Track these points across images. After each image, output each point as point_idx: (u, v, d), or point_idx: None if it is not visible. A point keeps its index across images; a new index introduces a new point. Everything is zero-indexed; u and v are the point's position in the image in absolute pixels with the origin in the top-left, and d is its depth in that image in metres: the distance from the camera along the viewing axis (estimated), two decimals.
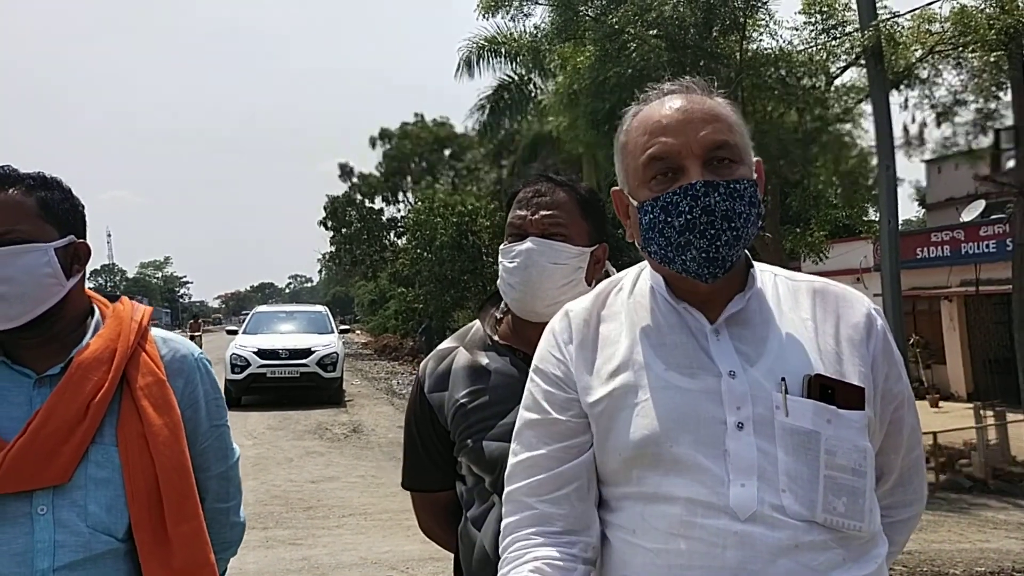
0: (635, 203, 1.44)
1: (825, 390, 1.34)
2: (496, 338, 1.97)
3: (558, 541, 1.40)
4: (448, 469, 1.97)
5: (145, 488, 1.65)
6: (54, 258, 1.67)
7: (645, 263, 1.54)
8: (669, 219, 1.36)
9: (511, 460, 1.49)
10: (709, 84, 1.48)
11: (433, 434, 1.96)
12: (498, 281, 1.95)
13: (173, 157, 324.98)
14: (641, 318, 1.46)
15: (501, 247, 1.94)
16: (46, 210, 1.69)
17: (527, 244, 1.87)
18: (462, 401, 1.90)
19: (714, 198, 1.34)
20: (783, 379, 1.35)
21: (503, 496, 1.50)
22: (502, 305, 2.01)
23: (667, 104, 1.43)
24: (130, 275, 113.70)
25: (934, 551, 6.88)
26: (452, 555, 2.03)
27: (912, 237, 23.59)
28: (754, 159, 1.45)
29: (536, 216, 1.89)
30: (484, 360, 1.94)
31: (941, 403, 19.81)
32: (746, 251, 1.46)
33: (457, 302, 27.04)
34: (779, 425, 1.33)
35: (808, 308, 1.45)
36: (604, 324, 1.49)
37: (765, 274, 1.51)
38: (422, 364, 2.03)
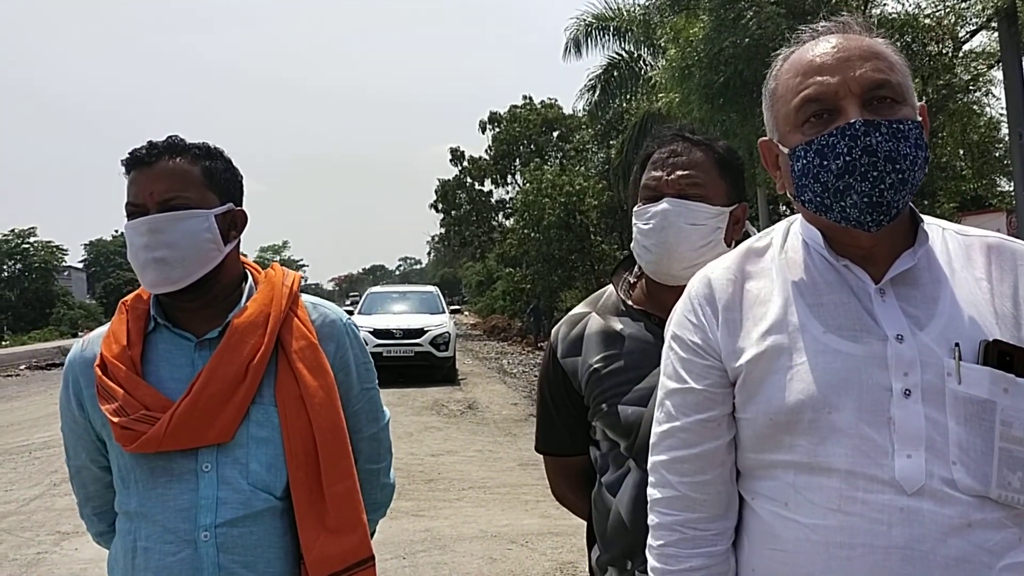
0: (786, 150, 1.35)
1: (1004, 357, 1.24)
2: (630, 303, 1.94)
3: (704, 535, 1.39)
4: (581, 434, 1.96)
5: (303, 448, 1.71)
6: (214, 224, 1.74)
7: (795, 216, 1.45)
8: (825, 163, 1.27)
9: (654, 428, 1.46)
10: (868, 22, 1.39)
11: (567, 398, 1.95)
12: (632, 244, 1.92)
13: (290, 145, 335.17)
14: (795, 275, 1.37)
15: (635, 209, 1.90)
16: (210, 178, 1.76)
17: (663, 205, 1.82)
18: (596, 366, 1.88)
19: (875, 138, 1.24)
20: (956, 345, 1.26)
21: (648, 463, 1.48)
22: (635, 269, 1.98)
23: (821, 44, 1.34)
24: (251, 259, 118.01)
25: None
26: (569, 529, 2.03)
27: None
28: (919, 102, 1.35)
29: (672, 176, 1.84)
30: (618, 325, 1.91)
31: None
32: (911, 204, 1.36)
33: (565, 282, 27.05)
34: (951, 393, 1.24)
35: (983, 267, 1.34)
36: (751, 281, 1.41)
37: (933, 228, 1.39)
38: (554, 329, 2.02)
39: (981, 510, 1.21)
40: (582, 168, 30.91)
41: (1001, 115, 12.55)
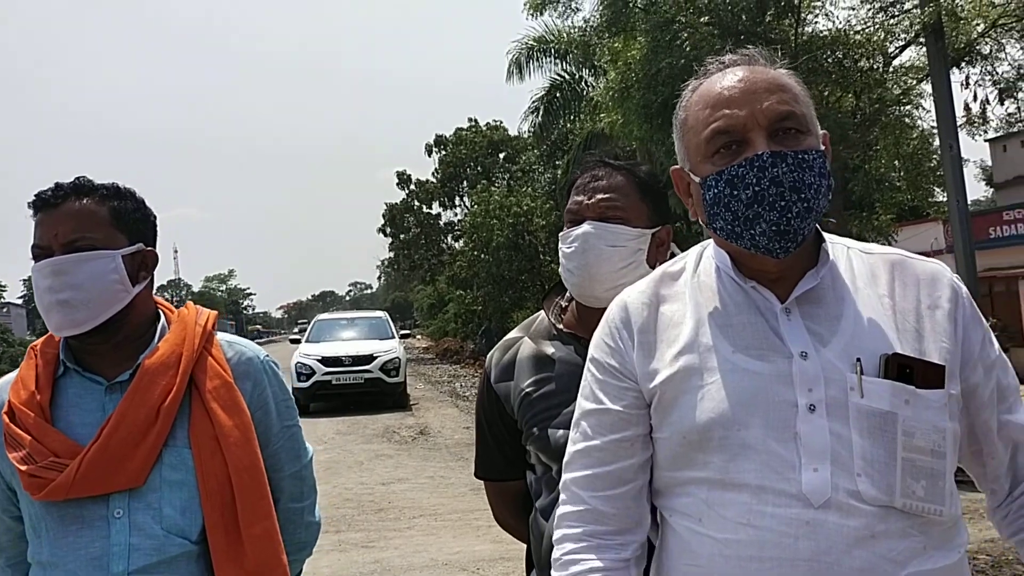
0: (697, 179, 1.38)
1: (903, 370, 1.28)
2: (560, 327, 1.96)
3: (610, 544, 1.41)
4: (517, 458, 1.96)
5: (218, 489, 1.67)
6: (121, 265, 1.70)
7: (708, 241, 1.49)
8: (735, 192, 1.31)
9: (569, 447, 1.48)
10: (772, 54, 1.43)
11: (501, 424, 1.96)
12: (559, 268, 1.94)
13: (235, 174, 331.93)
14: (706, 298, 1.41)
15: (560, 233, 1.93)
16: (118, 219, 1.73)
17: (584, 228, 1.85)
18: (528, 390, 1.89)
19: (782, 168, 1.29)
20: (858, 360, 1.29)
21: (560, 482, 1.50)
22: (567, 294, 2.00)
23: (729, 76, 1.38)
24: (195, 289, 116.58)
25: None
26: (521, 554, 2.02)
27: (983, 217, 22.90)
28: (821, 131, 1.39)
29: (593, 200, 1.87)
30: (549, 349, 1.93)
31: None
32: (817, 225, 1.39)
33: (515, 302, 27.06)
34: (853, 407, 1.27)
35: (886, 284, 1.38)
36: (665, 305, 1.44)
37: (838, 248, 1.44)
38: (489, 355, 2.04)
39: (885, 520, 1.24)
40: (529, 189, 31.03)
41: (932, 127, 12.89)
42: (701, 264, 1.47)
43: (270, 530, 1.71)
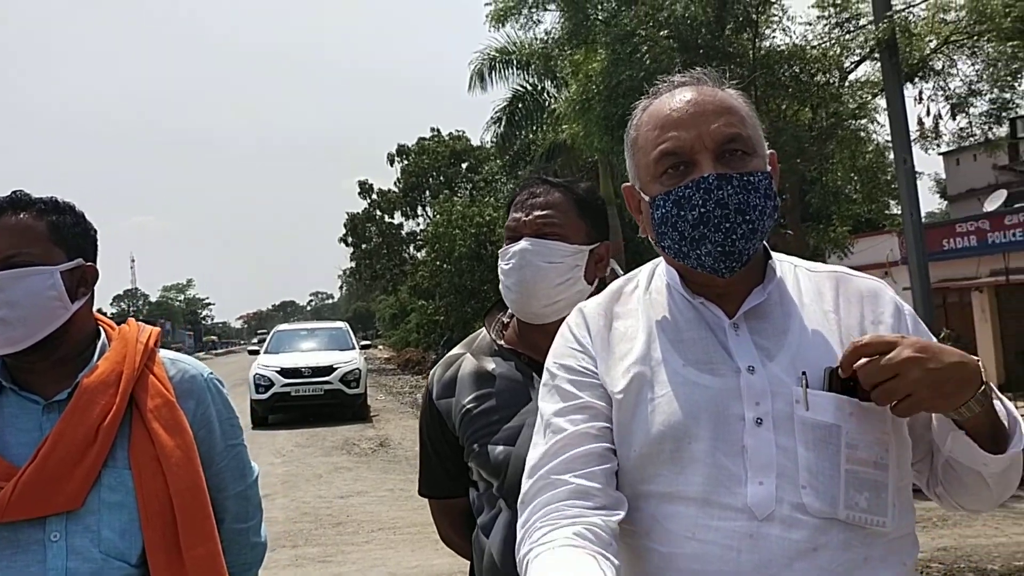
0: (647, 198, 1.41)
1: (847, 383, 1.29)
2: (501, 343, 1.97)
3: (599, 510, 1.28)
4: (461, 475, 1.96)
5: (159, 511, 1.63)
6: (59, 281, 1.66)
7: (659, 259, 1.51)
8: (682, 213, 1.33)
9: (535, 453, 1.38)
10: (720, 76, 1.45)
11: (443, 440, 1.96)
12: (500, 285, 1.95)
13: (195, 181, 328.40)
14: (657, 314, 1.43)
15: (500, 251, 1.95)
16: (56, 234, 1.69)
17: (521, 244, 1.88)
18: (468, 406, 1.90)
19: (727, 191, 1.31)
20: (803, 373, 1.31)
21: (519, 497, 1.37)
22: (508, 310, 2.01)
23: (677, 97, 1.40)
24: (153, 299, 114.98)
25: (970, 546, 6.76)
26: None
27: (937, 229, 23.33)
28: (768, 151, 1.41)
29: (530, 217, 1.90)
30: (490, 365, 1.94)
31: None
32: (764, 243, 1.42)
33: (478, 313, 27.00)
34: (799, 420, 1.29)
35: (831, 300, 1.41)
36: (619, 320, 1.46)
37: (784, 265, 1.47)
38: (431, 372, 2.04)
39: (827, 532, 1.25)
40: (492, 199, 31.04)
41: (887, 141, 13.12)
42: (653, 281, 1.50)
43: (213, 552, 1.68)
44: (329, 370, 16.62)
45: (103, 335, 1.78)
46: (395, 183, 39.91)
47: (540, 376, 1.83)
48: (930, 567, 6.06)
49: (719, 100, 1.38)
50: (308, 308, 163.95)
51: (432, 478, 2.04)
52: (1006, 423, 1.31)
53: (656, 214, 1.37)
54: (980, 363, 1.27)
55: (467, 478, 1.95)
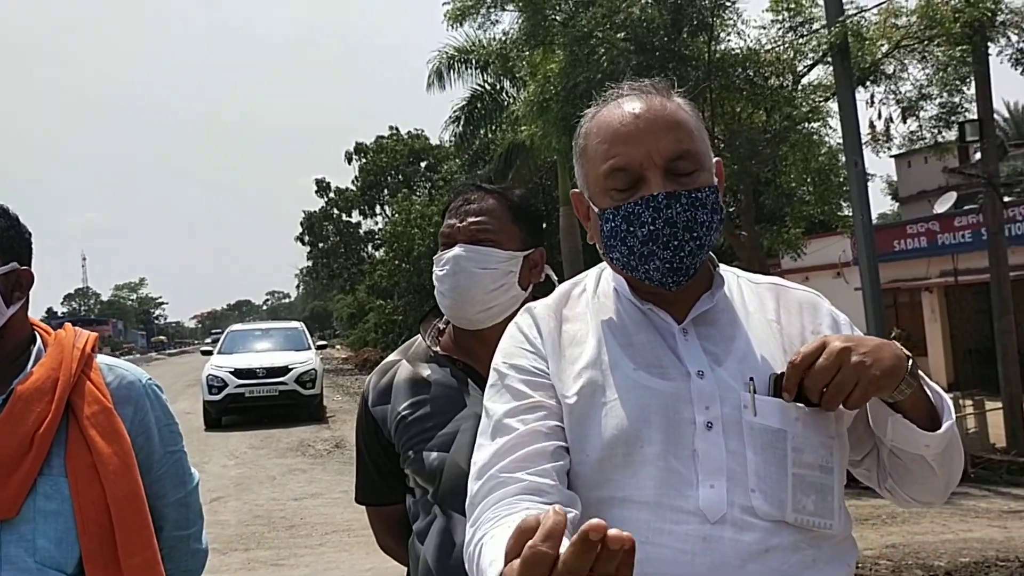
0: (596, 209, 1.41)
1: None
2: (437, 349, 1.98)
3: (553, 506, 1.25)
4: (396, 483, 1.96)
5: (96, 520, 1.60)
6: None
7: (604, 264, 1.51)
8: (631, 229, 1.35)
9: (482, 454, 1.34)
10: (668, 85, 1.46)
11: (379, 448, 1.96)
12: (435, 290, 1.96)
13: (148, 178, 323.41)
14: (606, 318, 1.43)
15: (434, 256, 1.95)
16: None
17: (455, 251, 1.89)
18: (403, 413, 1.90)
19: (676, 209, 1.33)
20: (751, 378, 1.33)
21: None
22: (444, 316, 2.02)
23: (626, 108, 1.40)
24: (104, 298, 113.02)
25: (918, 543, 6.89)
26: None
27: (889, 230, 23.80)
28: (714, 160, 1.43)
29: (464, 223, 1.91)
30: (425, 372, 1.94)
31: None
32: (711, 253, 1.44)
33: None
34: (747, 424, 1.30)
35: (773, 309, 1.44)
36: (568, 324, 1.45)
37: (728, 275, 1.49)
38: (368, 379, 2.04)
39: (778, 535, 1.27)
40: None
41: (840, 144, 13.31)
42: (600, 285, 1.50)
43: (151, 560, 1.64)
44: (284, 371, 16.45)
45: (39, 340, 1.73)
46: (353, 181, 39.66)
47: (475, 382, 1.87)
48: (879, 564, 6.16)
49: (668, 114, 1.39)
50: (264, 308, 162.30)
51: (369, 485, 2.04)
52: (934, 401, 1.35)
53: (605, 227, 1.38)
54: (898, 344, 1.32)
55: (404, 485, 1.95)
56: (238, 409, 16.37)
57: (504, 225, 1.91)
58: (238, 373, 16.18)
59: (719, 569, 1.25)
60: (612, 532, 0.82)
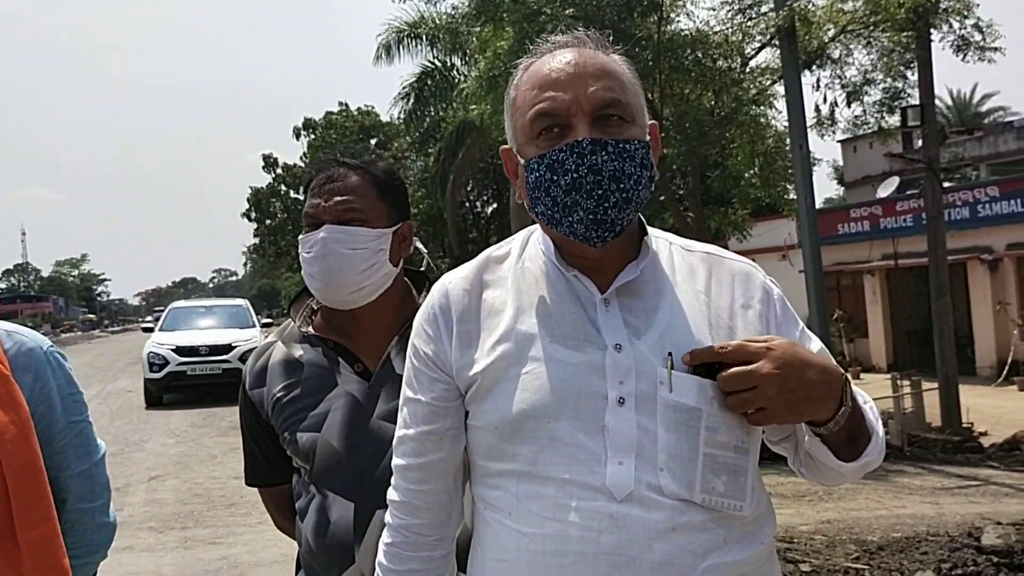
0: (523, 161, 1.36)
1: (712, 366, 1.28)
2: (309, 329, 1.96)
3: (425, 540, 1.44)
4: (282, 462, 1.94)
5: None
6: None
7: (534, 227, 1.46)
8: (555, 177, 1.30)
9: (398, 455, 1.47)
10: (605, 38, 1.41)
11: (260, 430, 1.95)
12: (302, 272, 1.92)
13: (91, 152, 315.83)
14: (528, 285, 1.39)
15: (300, 238, 1.90)
16: None
17: (322, 233, 1.83)
18: (279, 395, 1.88)
19: (601, 157, 1.28)
20: (669, 354, 1.29)
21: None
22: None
23: (558, 58, 1.36)
24: (45, 274, 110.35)
25: (852, 519, 7.03)
26: None
27: (833, 214, 24.22)
28: (649, 122, 1.39)
29: (330, 203, 1.85)
30: (298, 352, 1.92)
31: (863, 375, 20.40)
32: (640, 217, 1.40)
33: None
34: (661, 401, 1.27)
35: (703, 279, 1.39)
36: (488, 291, 1.41)
37: (660, 242, 1.45)
38: (246, 362, 2.00)
39: (686, 514, 1.24)
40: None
41: (786, 127, 13.44)
42: (527, 250, 1.45)
43: (50, 533, 1.58)
44: (227, 348, 16.16)
45: None
46: (301, 158, 39.10)
47: (347, 361, 1.89)
48: (814, 539, 6.27)
49: (600, 63, 1.35)
50: (210, 285, 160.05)
51: (255, 467, 2.02)
52: (868, 434, 1.34)
53: (530, 178, 1.34)
54: (846, 379, 1.29)
55: (289, 465, 1.93)
56: (180, 387, 16.07)
57: (370, 202, 1.87)
58: (180, 351, 15.87)
59: (625, 547, 1.23)
60: None
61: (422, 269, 2.11)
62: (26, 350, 1.68)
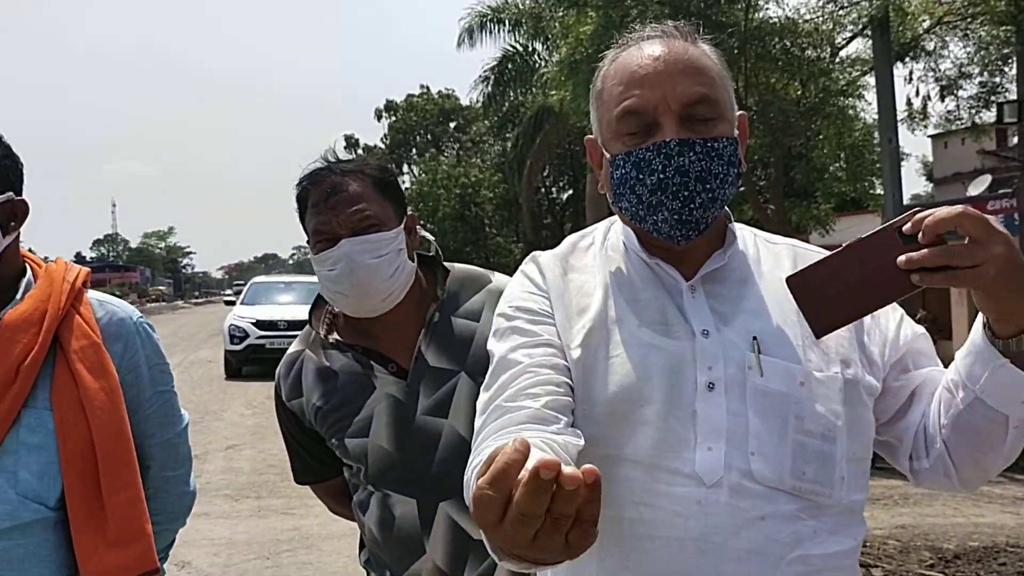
0: (608, 155, 1.36)
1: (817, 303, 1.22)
2: (336, 336, 1.95)
3: (559, 435, 1.18)
4: (329, 459, 1.98)
5: (80, 455, 1.59)
6: None
7: (614, 217, 1.46)
8: (641, 176, 1.29)
9: (486, 394, 1.30)
10: (694, 29, 1.39)
11: (303, 435, 1.98)
12: (321, 290, 1.91)
13: (182, 129, 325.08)
14: (614, 272, 1.39)
15: (314, 257, 1.86)
16: None
17: (343, 247, 1.79)
18: (318, 404, 1.90)
19: (689, 157, 1.27)
20: (755, 338, 1.28)
21: (485, 420, 1.26)
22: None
23: (646, 51, 1.34)
24: (133, 245, 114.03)
25: (928, 525, 6.83)
26: None
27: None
28: (737, 112, 1.36)
29: (342, 216, 1.80)
30: (329, 361, 1.92)
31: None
32: (726, 207, 1.38)
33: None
34: (751, 386, 1.26)
35: (789, 268, 1.37)
36: (575, 273, 1.41)
37: (744, 232, 1.44)
38: (277, 371, 2.01)
39: (775, 502, 1.23)
40: (478, 160, 30.87)
41: (875, 120, 13.06)
42: (608, 239, 1.46)
43: (134, 498, 1.63)
44: (305, 324, 16.49)
45: (29, 272, 1.71)
46: (382, 139, 39.58)
47: (379, 363, 1.87)
48: (887, 543, 6.12)
49: (688, 58, 1.32)
50: (290, 262, 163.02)
51: (303, 467, 2.07)
52: None
53: (615, 174, 1.33)
54: None
55: (337, 460, 1.95)
56: (258, 360, 16.48)
57: (378, 205, 1.84)
58: (260, 324, 16.28)
59: (713, 534, 1.21)
60: (567, 471, 0.79)
61: (431, 254, 2.06)
62: (117, 320, 1.73)
